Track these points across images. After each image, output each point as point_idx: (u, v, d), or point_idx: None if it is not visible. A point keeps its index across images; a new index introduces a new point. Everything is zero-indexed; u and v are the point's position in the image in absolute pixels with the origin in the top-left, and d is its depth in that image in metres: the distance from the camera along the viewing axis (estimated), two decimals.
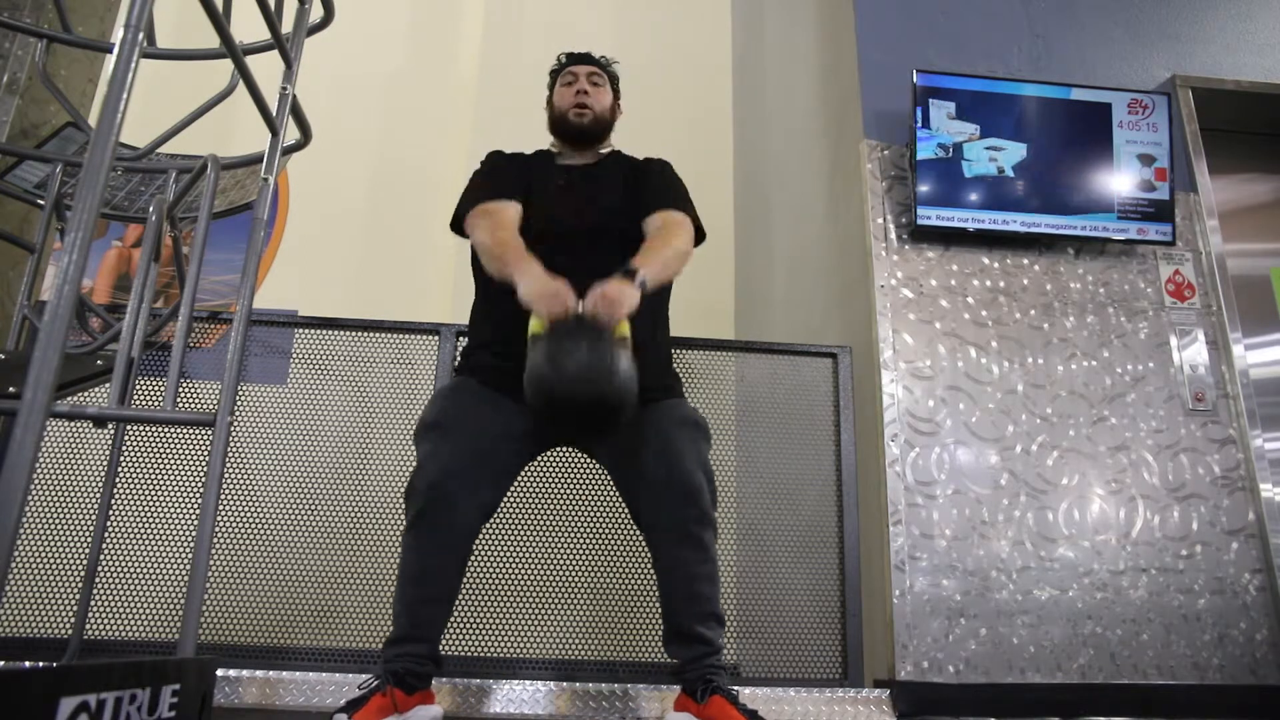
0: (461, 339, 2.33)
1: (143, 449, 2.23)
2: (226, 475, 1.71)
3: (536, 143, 2.11)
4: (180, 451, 2.24)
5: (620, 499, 1.78)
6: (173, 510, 2.19)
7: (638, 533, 1.78)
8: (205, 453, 2.22)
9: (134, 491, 2.19)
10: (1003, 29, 2.89)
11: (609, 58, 2.13)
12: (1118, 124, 2.70)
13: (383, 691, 1.54)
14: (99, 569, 1.89)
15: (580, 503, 2.27)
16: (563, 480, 2.28)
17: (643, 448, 1.67)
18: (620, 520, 2.20)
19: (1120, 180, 2.67)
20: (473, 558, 2.14)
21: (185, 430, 2.24)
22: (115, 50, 1.01)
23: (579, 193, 1.93)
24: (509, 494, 1.80)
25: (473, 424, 1.68)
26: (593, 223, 1.86)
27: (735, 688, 1.65)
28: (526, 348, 1.53)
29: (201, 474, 2.19)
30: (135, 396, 1.84)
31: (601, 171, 2.00)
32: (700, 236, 1.92)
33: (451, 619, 1.70)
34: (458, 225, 1.90)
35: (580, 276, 1.61)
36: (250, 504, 2.22)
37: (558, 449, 2.04)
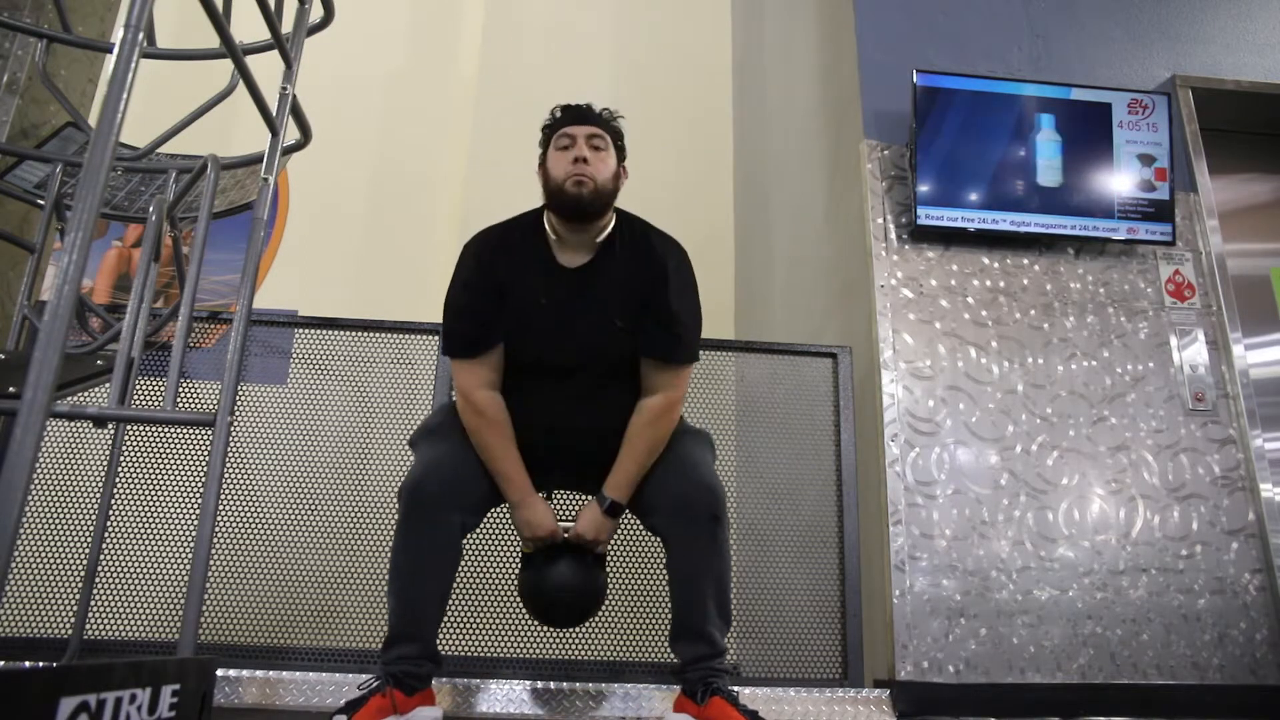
0: None
1: (143, 449, 2.23)
2: (226, 475, 1.71)
3: (535, 145, 1.92)
4: (180, 451, 2.24)
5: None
6: (173, 510, 2.19)
7: (636, 534, 1.79)
8: (205, 453, 2.22)
9: (134, 491, 2.19)
10: (1003, 29, 2.89)
11: (612, 111, 1.82)
12: (1118, 124, 2.70)
13: (382, 693, 1.54)
14: (99, 569, 1.90)
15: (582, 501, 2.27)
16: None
17: (661, 465, 1.72)
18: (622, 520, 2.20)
19: (1120, 180, 2.67)
20: (473, 557, 2.15)
21: (185, 430, 2.24)
22: (115, 50, 1.01)
23: (564, 315, 1.72)
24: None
25: (465, 431, 1.72)
26: (578, 359, 1.73)
27: (735, 688, 1.65)
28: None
29: (201, 474, 2.19)
30: (135, 396, 1.84)
31: (597, 276, 1.75)
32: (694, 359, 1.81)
33: (451, 619, 1.71)
34: (446, 352, 1.78)
35: (566, 411, 1.73)
36: (250, 504, 2.22)
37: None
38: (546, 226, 1.77)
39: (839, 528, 2.34)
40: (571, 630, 2.18)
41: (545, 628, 2.09)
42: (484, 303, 1.72)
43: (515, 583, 1.80)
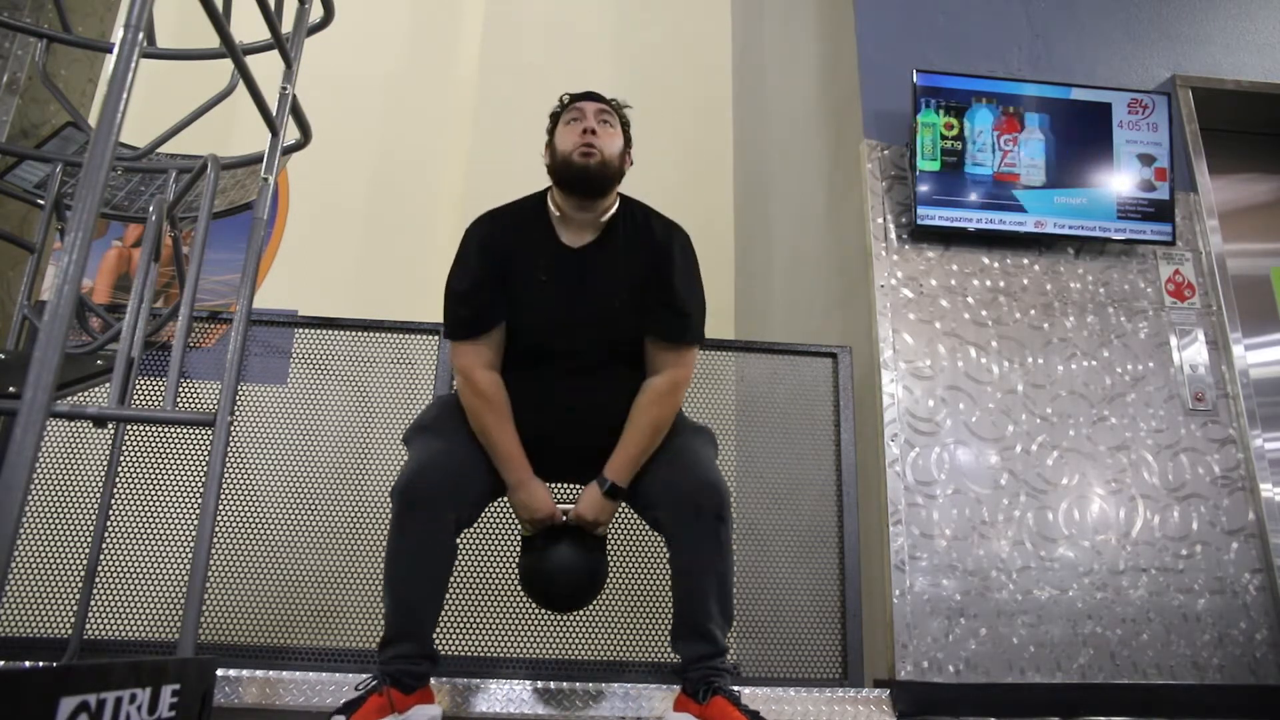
0: None
1: (143, 449, 2.23)
2: (226, 475, 1.71)
3: (535, 144, 1.95)
4: (180, 451, 2.24)
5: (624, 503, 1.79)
6: (173, 510, 2.19)
7: (638, 531, 1.78)
8: (205, 453, 2.22)
9: (134, 491, 2.19)
10: (1003, 29, 2.89)
11: (621, 100, 1.85)
12: (1118, 124, 2.71)
13: (379, 692, 1.53)
14: (99, 569, 1.89)
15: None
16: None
17: (662, 459, 1.71)
18: (623, 519, 2.20)
19: (1120, 180, 2.67)
20: (470, 557, 2.15)
21: (185, 430, 2.24)
22: (115, 50, 1.01)
23: (567, 295, 1.72)
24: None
25: (459, 426, 1.70)
26: (580, 340, 1.72)
27: (737, 688, 1.64)
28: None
29: (201, 474, 2.19)
30: (135, 396, 1.84)
31: (600, 255, 1.75)
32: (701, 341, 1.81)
33: (449, 619, 1.70)
34: (449, 335, 1.77)
35: (568, 396, 1.72)
36: (250, 504, 2.22)
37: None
38: (550, 206, 1.77)
39: (839, 528, 2.34)
40: (571, 627, 2.18)
41: (545, 618, 2.10)
42: (486, 283, 1.71)
43: (515, 568, 1.78)
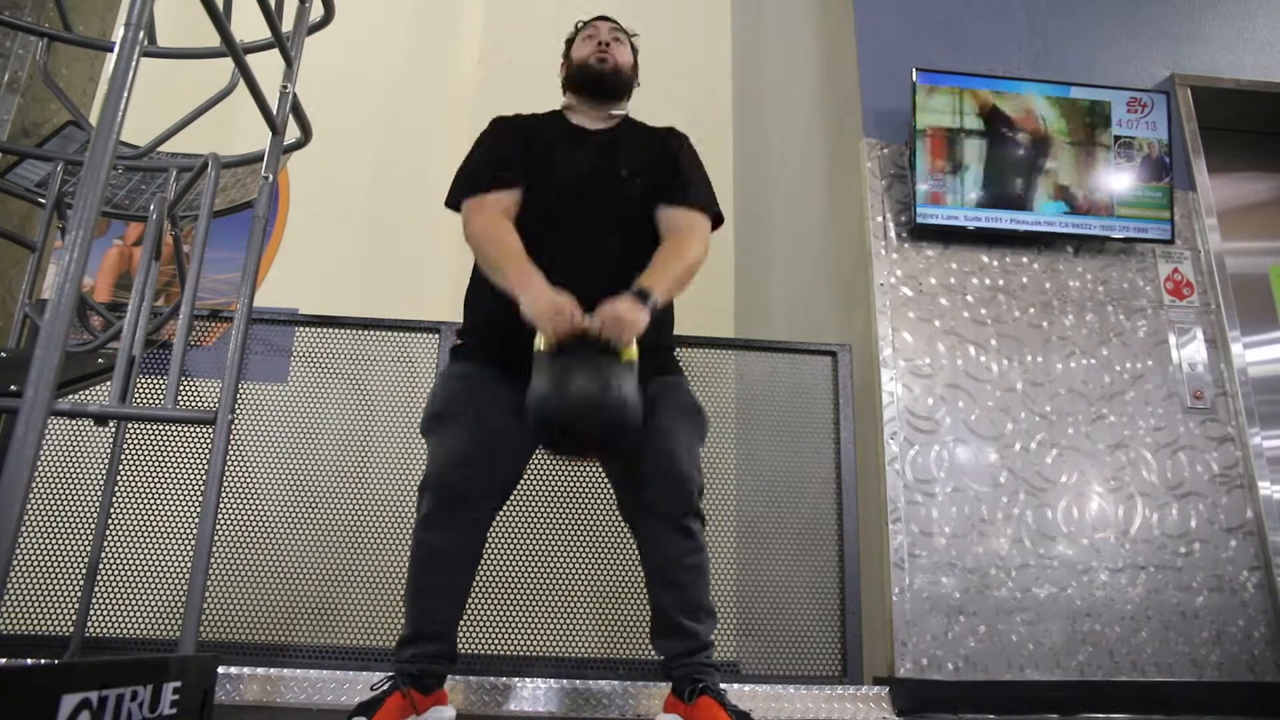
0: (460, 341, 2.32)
1: (144, 447, 2.23)
2: (227, 473, 1.72)
3: None
4: (181, 450, 2.24)
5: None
6: (174, 508, 2.20)
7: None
8: (206, 451, 2.22)
9: (135, 490, 2.19)
10: (1002, 28, 2.90)
11: (631, 31, 2.01)
12: (1117, 122, 2.71)
13: (401, 691, 1.49)
14: (100, 567, 1.90)
15: (594, 497, 2.27)
16: (575, 478, 2.28)
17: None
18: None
19: (1119, 178, 2.67)
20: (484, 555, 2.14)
21: (186, 428, 2.24)
22: (116, 49, 1.01)
23: (593, 163, 1.80)
24: (526, 494, 1.76)
25: (476, 410, 1.62)
26: (607, 200, 1.76)
27: (725, 686, 1.62)
28: (526, 327, 1.50)
29: (202, 472, 2.20)
30: (136, 395, 1.84)
31: (620, 138, 1.87)
32: (717, 222, 1.85)
33: (463, 617, 1.67)
34: (454, 203, 1.79)
35: (596, 255, 1.68)
36: (251, 502, 2.22)
37: None
38: (564, 110, 1.93)
39: (838, 526, 2.34)
40: (582, 627, 2.17)
41: (544, 610, 2.06)
42: (504, 147, 1.82)
43: (529, 398, 1.47)
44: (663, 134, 1.94)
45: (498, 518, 1.68)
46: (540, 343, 1.46)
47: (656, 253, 1.70)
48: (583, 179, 1.78)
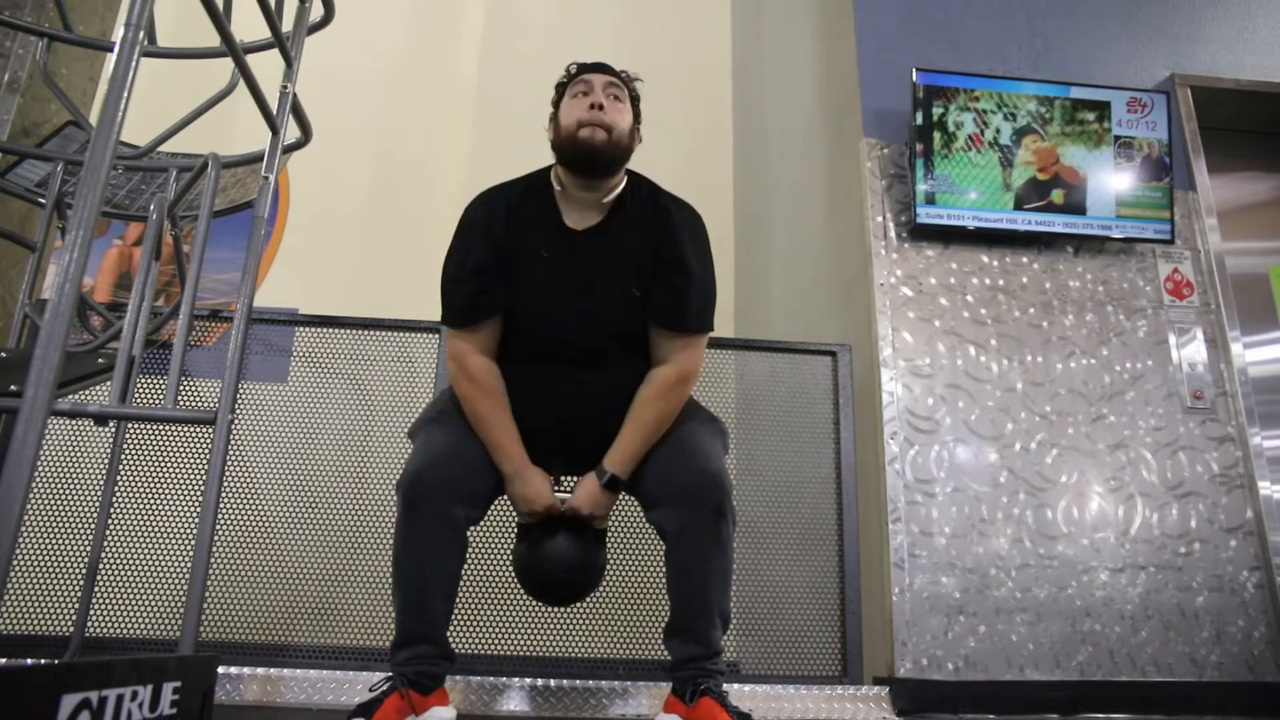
0: None
1: (144, 447, 2.23)
2: (227, 473, 1.72)
3: (536, 144, 1.89)
4: (181, 450, 2.25)
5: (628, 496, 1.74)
6: (174, 508, 2.20)
7: (644, 528, 1.75)
8: (206, 451, 2.22)
9: (135, 490, 2.19)
10: (1002, 28, 2.90)
11: (631, 74, 1.76)
12: (1117, 122, 2.71)
13: (400, 692, 1.48)
14: (100, 567, 1.90)
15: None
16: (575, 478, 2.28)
17: (666, 448, 1.63)
18: (629, 514, 2.21)
19: (1119, 178, 2.67)
20: (481, 552, 2.14)
21: (186, 428, 2.25)
22: (116, 49, 1.01)
23: (570, 279, 1.64)
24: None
25: (464, 419, 1.64)
26: (583, 329, 1.64)
27: (726, 686, 1.61)
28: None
29: (202, 472, 2.20)
30: (136, 395, 1.84)
31: (605, 238, 1.67)
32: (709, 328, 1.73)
33: (459, 618, 1.67)
34: (447, 323, 1.70)
35: (569, 387, 1.66)
36: (251, 502, 2.22)
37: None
38: (554, 184, 1.69)
39: (838, 525, 2.34)
40: (577, 624, 2.18)
41: (552, 616, 2.08)
42: (483, 268, 1.64)
43: (510, 558, 1.74)
44: (665, 220, 1.69)
45: (499, 517, 1.68)
46: (524, 519, 1.69)
47: (634, 408, 1.63)
48: (565, 303, 1.64)
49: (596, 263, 1.65)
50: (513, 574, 1.74)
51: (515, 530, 1.73)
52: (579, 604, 1.87)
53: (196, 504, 2.08)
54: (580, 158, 1.62)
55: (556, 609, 2.13)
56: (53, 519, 2.16)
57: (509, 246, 1.65)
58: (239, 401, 2.18)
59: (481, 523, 1.65)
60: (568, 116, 1.65)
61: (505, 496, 1.68)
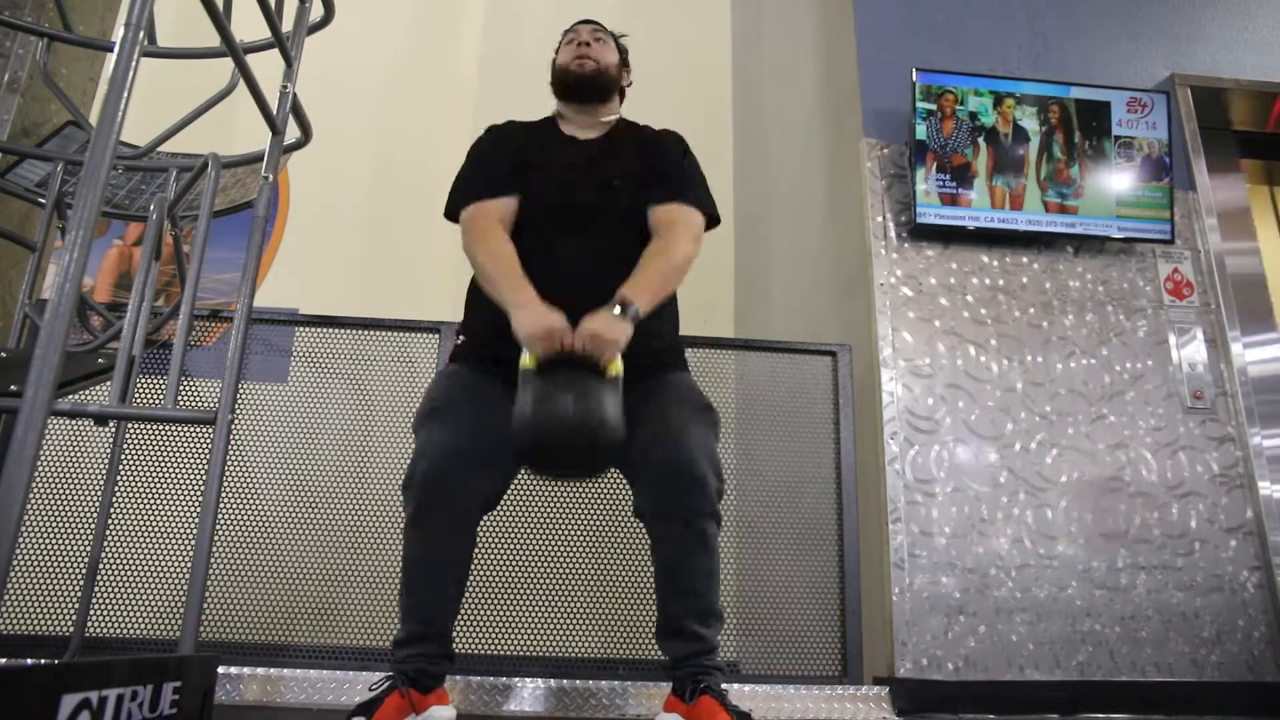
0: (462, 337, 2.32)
1: (144, 447, 2.23)
2: (227, 473, 1.72)
3: None
4: (181, 450, 2.25)
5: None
6: (174, 508, 2.20)
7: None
8: (206, 451, 2.22)
9: (135, 490, 2.19)
10: (1002, 28, 2.90)
11: (619, 32, 2.04)
12: (1117, 122, 2.71)
13: (400, 691, 1.48)
14: (100, 567, 1.90)
15: (594, 497, 2.27)
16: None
17: (643, 430, 1.55)
18: (633, 517, 2.21)
19: (1119, 178, 2.67)
20: (479, 552, 2.14)
21: (186, 428, 2.25)
22: (116, 49, 1.01)
23: (584, 173, 1.80)
24: (526, 494, 1.75)
25: (470, 407, 1.60)
26: (601, 205, 1.76)
27: (727, 686, 1.60)
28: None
29: (202, 472, 2.20)
30: (136, 395, 1.84)
31: (611, 146, 1.88)
32: (713, 222, 1.83)
33: (459, 617, 1.65)
34: (452, 213, 1.82)
35: (588, 262, 1.68)
36: (251, 502, 2.22)
37: None
38: (557, 118, 1.95)
39: (838, 525, 2.34)
40: (582, 627, 2.17)
41: (543, 610, 2.06)
42: (497, 157, 1.84)
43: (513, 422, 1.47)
44: (659, 136, 1.93)
45: (498, 517, 1.67)
46: (527, 359, 1.47)
47: (642, 254, 1.68)
48: (572, 189, 1.77)
49: (597, 163, 1.84)
50: (513, 574, 1.73)
51: (517, 378, 1.49)
52: (586, 548, 1.77)
53: (196, 504, 2.08)
54: (573, 84, 1.89)
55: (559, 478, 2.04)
56: (53, 519, 2.16)
57: (520, 147, 1.85)
58: (239, 401, 2.18)
59: (485, 518, 1.64)
60: (561, 59, 1.94)
61: (510, 489, 1.65)
